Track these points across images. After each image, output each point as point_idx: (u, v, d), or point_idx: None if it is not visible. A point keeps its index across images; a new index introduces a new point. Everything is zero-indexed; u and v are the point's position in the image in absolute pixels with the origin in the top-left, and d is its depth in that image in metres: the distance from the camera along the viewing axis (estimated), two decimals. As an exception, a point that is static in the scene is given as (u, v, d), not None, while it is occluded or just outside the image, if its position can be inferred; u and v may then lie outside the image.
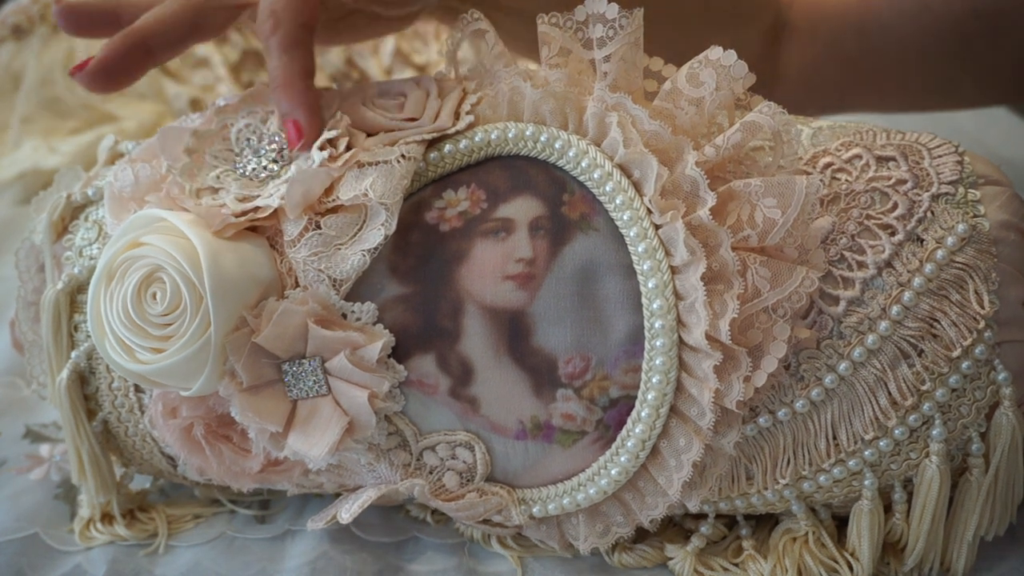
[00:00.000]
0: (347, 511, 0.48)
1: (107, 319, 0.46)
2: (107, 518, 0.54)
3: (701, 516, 0.51)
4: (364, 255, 0.45)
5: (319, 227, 0.46)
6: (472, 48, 0.51)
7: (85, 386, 0.52)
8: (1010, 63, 0.67)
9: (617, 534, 0.48)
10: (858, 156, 0.48)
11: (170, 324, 0.45)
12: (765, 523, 0.52)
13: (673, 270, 0.44)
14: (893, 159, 0.47)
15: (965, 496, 0.47)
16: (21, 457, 0.59)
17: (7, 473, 0.58)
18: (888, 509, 0.48)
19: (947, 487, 0.46)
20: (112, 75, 0.49)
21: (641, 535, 0.52)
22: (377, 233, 0.46)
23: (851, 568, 0.48)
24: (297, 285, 0.46)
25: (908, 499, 0.47)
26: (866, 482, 0.46)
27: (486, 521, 0.49)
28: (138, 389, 0.51)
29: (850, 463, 0.46)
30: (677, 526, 0.52)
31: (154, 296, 0.45)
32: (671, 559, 0.50)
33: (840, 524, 0.50)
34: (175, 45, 0.50)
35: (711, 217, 0.43)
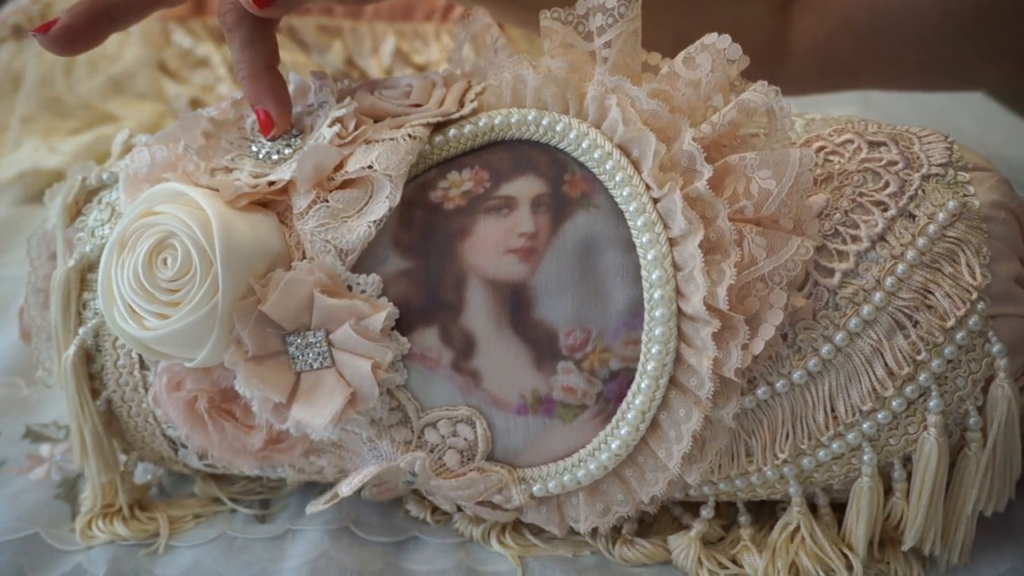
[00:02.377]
0: (347, 485, 0.48)
1: (117, 286, 0.46)
2: (110, 514, 0.54)
3: (702, 505, 0.51)
4: (370, 226, 0.46)
5: (327, 202, 0.47)
6: (473, 49, 0.53)
7: (91, 364, 0.52)
8: None
9: (617, 513, 0.48)
10: (850, 140, 0.49)
11: (178, 290, 0.45)
12: (765, 520, 0.51)
13: (671, 242, 0.45)
14: (884, 144, 0.49)
15: (964, 472, 0.47)
16: (21, 457, 0.59)
17: (7, 473, 0.58)
18: (888, 491, 0.48)
19: (946, 461, 0.46)
20: (73, 41, 0.49)
21: (643, 531, 0.52)
22: (382, 205, 0.46)
23: (846, 560, 0.48)
24: (304, 258, 0.47)
25: (907, 478, 0.47)
26: (865, 457, 0.46)
27: (486, 503, 0.49)
28: (143, 366, 0.51)
29: (849, 436, 0.46)
30: (676, 521, 0.52)
31: (164, 262, 0.46)
32: (675, 549, 0.50)
33: (840, 517, 0.49)
34: (136, 12, 0.51)
35: (708, 188, 0.44)
